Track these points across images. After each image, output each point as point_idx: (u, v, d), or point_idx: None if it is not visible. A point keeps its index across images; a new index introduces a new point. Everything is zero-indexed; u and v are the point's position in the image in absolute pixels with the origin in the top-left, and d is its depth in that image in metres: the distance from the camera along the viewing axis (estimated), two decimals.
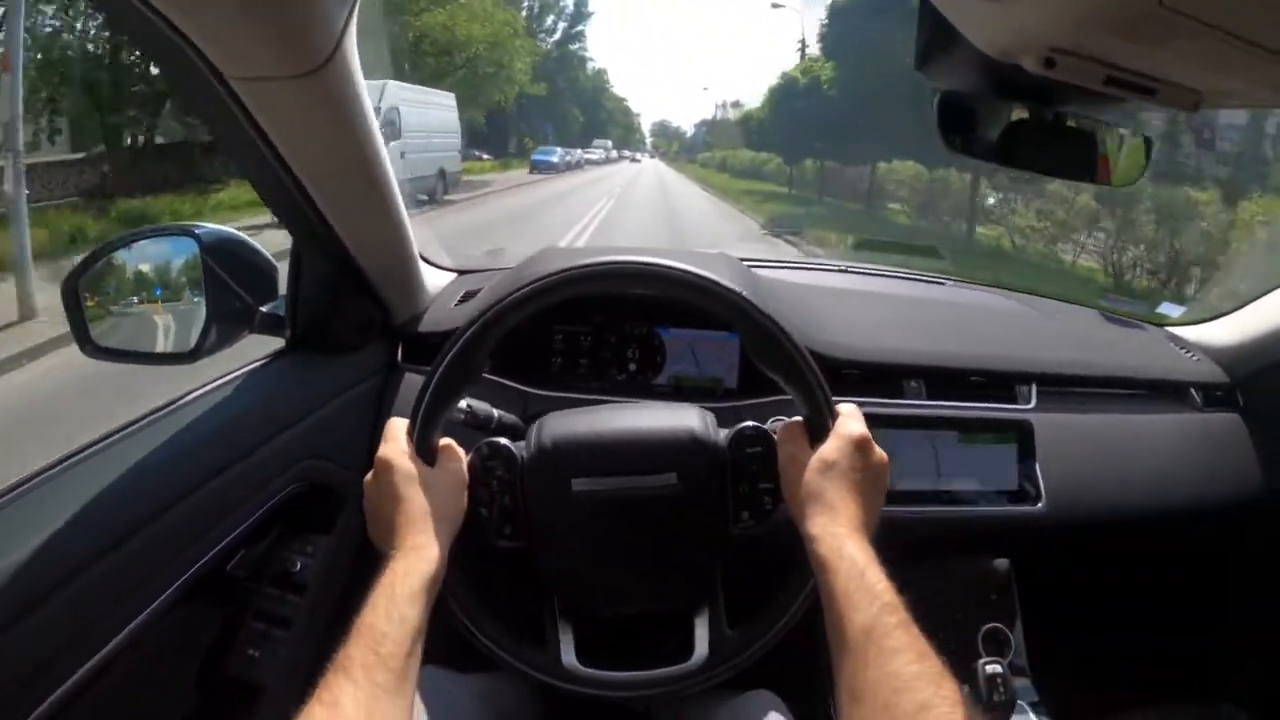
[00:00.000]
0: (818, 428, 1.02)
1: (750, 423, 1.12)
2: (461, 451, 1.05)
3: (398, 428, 1.01)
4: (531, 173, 36.66)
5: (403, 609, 0.84)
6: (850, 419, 1.01)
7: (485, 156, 40.04)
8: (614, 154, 73.81)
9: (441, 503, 0.97)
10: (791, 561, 1.04)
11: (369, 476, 0.99)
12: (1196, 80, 0.78)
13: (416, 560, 0.89)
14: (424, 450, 1.00)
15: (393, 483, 0.95)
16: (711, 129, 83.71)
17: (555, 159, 39.98)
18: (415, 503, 0.94)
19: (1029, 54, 0.70)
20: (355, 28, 0.95)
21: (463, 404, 1.09)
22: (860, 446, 0.98)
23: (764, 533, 1.10)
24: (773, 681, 1.20)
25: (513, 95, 31.23)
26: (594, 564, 1.12)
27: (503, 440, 1.10)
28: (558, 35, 65.12)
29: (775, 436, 1.08)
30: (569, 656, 1.08)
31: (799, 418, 1.05)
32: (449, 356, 1.01)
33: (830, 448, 0.98)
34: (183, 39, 0.87)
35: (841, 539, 0.89)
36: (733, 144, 61.53)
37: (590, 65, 78.95)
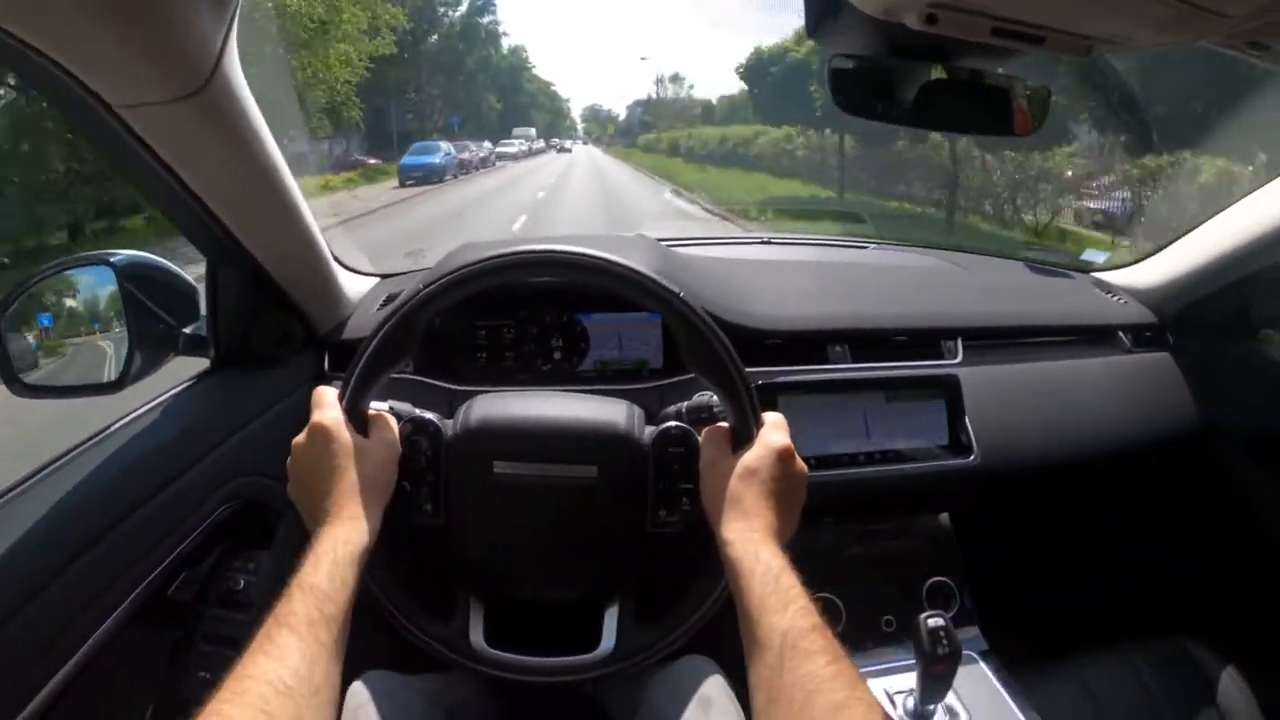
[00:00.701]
0: (742, 435, 1.02)
1: (675, 423, 1.12)
2: (394, 422, 1.05)
3: (329, 394, 1.00)
4: (402, 185, 24.68)
5: (344, 573, 0.85)
6: (774, 429, 1.01)
7: (372, 161, 30.18)
8: (539, 144, 63.33)
9: (376, 474, 0.98)
10: (705, 562, 1.04)
11: (300, 438, 0.98)
12: (1083, 26, 0.79)
13: (353, 530, 0.90)
14: (356, 418, 0.99)
15: (330, 451, 0.95)
16: (649, 108, 74.77)
17: (437, 159, 27.43)
18: (352, 473, 0.94)
19: (910, 11, 0.71)
20: (235, 45, 0.94)
21: (384, 405, 1.08)
22: (782, 457, 0.98)
23: (680, 531, 1.11)
24: (710, 647, 1.20)
25: (339, 66, 21.00)
26: (509, 547, 1.12)
27: (431, 415, 1.10)
28: (463, 7, 54.08)
29: (699, 438, 1.08)
30: (477, 636, 1.09)
31: (723, 424, 1.05)
32: (388, 323, 1.02)
33: (753, 456, 0.98)
34: (64, 72, 0.86)
35: (757, 544, 0.89)
36: (676, 123, 53.95)
37: (505, 41, 69.32)
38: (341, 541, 0.88)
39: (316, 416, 0.97)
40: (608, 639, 1.09)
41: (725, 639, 1.12)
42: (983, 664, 1.42)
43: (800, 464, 1.00)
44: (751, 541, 0.90)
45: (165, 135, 1.00)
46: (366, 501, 0.94)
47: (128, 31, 0.82)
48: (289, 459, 0.99)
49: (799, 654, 0.77)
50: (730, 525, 0.93)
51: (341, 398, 1.00)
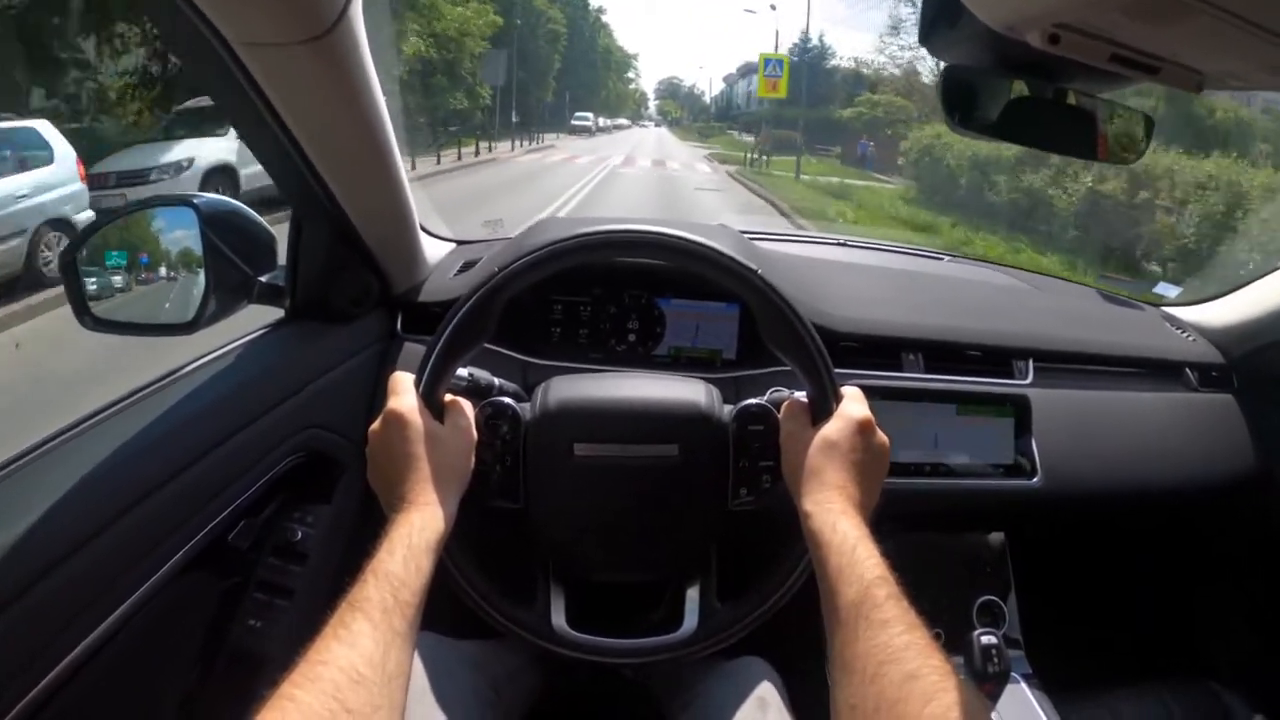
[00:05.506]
0: (821, 408, 1.02)
1: (755, 400, 1.12)
2: (470, 409, 1.05)
3: (405, 381, 1.00)
4: None
5: (419, 559, 0.85)
6: (854, 401, 1.02)
7: None
8: None
9: (452, 461, 0.98)
10: (786, 539, 1.05)
11: (375, 426, 0.98)
12: (1199, 61, 0.78)
13: (429, 516, 0.90)
14: (432, 405, 0.99)
15: (405, 438, 0.94)
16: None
17: None
18: (427, 459, 0.94)
19: (1034, 29, 0.70)
20: None
21: (464, 371, 1.09)
22: (863, 429, 0.99)
23: (761, 509, 1.11)
24: (764, 649, 1.22)
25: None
26: (590, 529, 1.13)
27: (508, 400, 1.11)
28: None
29: (779, 415, 1.08)
30: (559, 619, 1.09)
31: (802, 395, 1.05)
32: (465, 308, 1.01)
33: (832, 428, 0.98)
34: (187, 4, 0.87)
35: (836, 514, 0.90)
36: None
37: None
38: (417, 528, 0.88)
39: (392, 403, 0.97)
40: (690, 619, 1.10)
41: (783, 642, 1.13)
42: (1025, 686, 1.42)
43: (881, 436, 1.01)
44: (831, 513, 0.90)
45: (280, 78, 1.01)
46: (442, 488, 0.94)
47: None
48: (367, 446, 0.99)
49: (872, 625, 0.77)
50: (810, 497, 0.94)
51: (417, 384, 1.00)
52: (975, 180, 16.77)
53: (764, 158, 30.14)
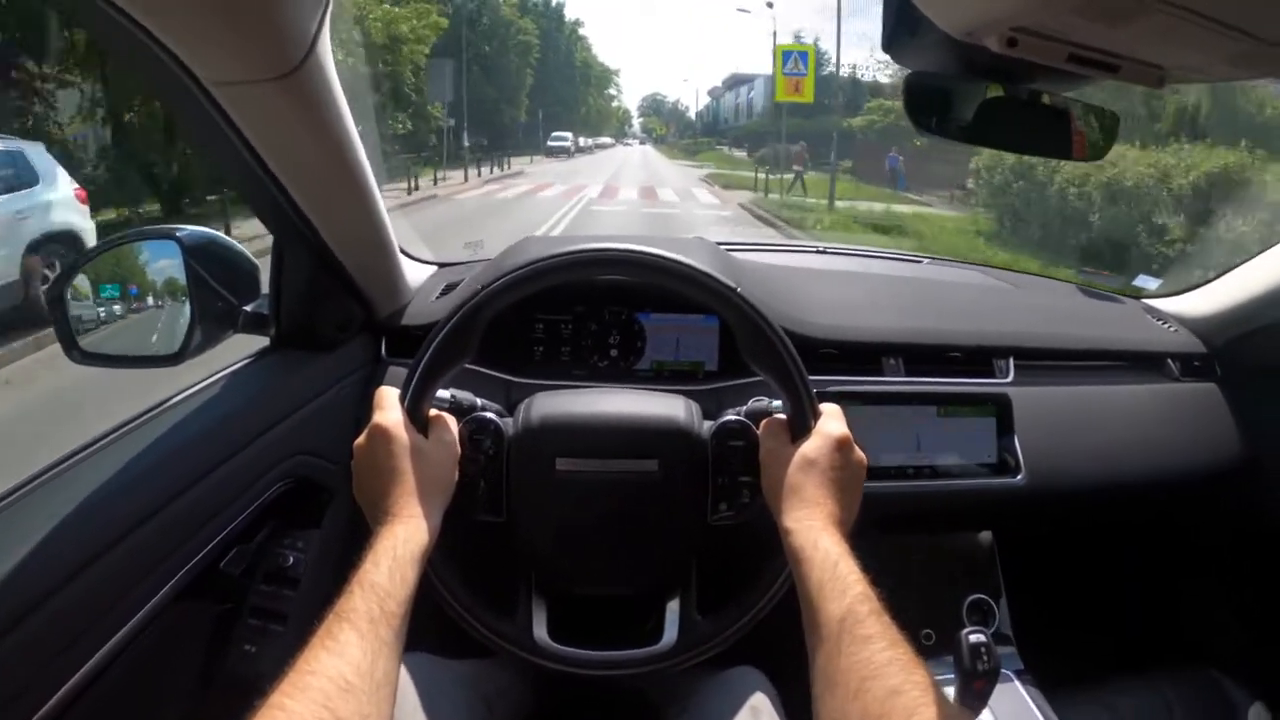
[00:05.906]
0: (800, 426, 1.04)
1: (733, 416, 1.14)
2: (454, 423, 1.07)
3: (390, 396, 1.01)
4: None
5: (404, 570, 0.86)
6: (832, 419, 1.04)
7: None
8: None
9: (436, 474, 0.99)
10: (765, 553, 1.07)
11: (360, 440, 1.00)
12: (1158, 56, 0.79)
13: (414, 529, 0.91)
14: (417, 419, 1.01)
15: (390, 452, 0.96)
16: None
17: None
18: (412, 473, 0.95)
19: (992, 34, 0.71)
20: (328, 29, 0.96)
21: (445, 393, 1.10)
22: (841, 446, 1.00)
23: (740, 524, 1.12)
24: (758, 659, 1.23)
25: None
26: (571, 543, 1.14)
27: (491, 415, 1.12)
28: None
29: (758, 431, 1.10)
30: (540, 631, 1.10)
31: (781, 415, 1.07)
32: (449, 325, 1.03)
33: (811, 446, 1.00)
34: (159, 46, 0.88)
35: (817, 532, 0.92)
36: None
37: None
38: (402, 540, 0.89)
39: (377, 418, 0.99)
40: (670, 631, 1.11)
41: (776, 652, 1.14)
42: (1018, 683, 1.43)
43: (859, 453, 1.02)
44: (812, 530, 0.92)
45: (253, 114, 1.02)
46: (426, 501, 0.95)
47: (230, 10, 0.84)
48: (353, 460, 1.01)
49: (855, 640, 0.78)
50: (791, 514, 0.95)
51: (402, 399, 1.01)
52: (1119, 218, 11.39)
53: (799, 181, 23.47)
